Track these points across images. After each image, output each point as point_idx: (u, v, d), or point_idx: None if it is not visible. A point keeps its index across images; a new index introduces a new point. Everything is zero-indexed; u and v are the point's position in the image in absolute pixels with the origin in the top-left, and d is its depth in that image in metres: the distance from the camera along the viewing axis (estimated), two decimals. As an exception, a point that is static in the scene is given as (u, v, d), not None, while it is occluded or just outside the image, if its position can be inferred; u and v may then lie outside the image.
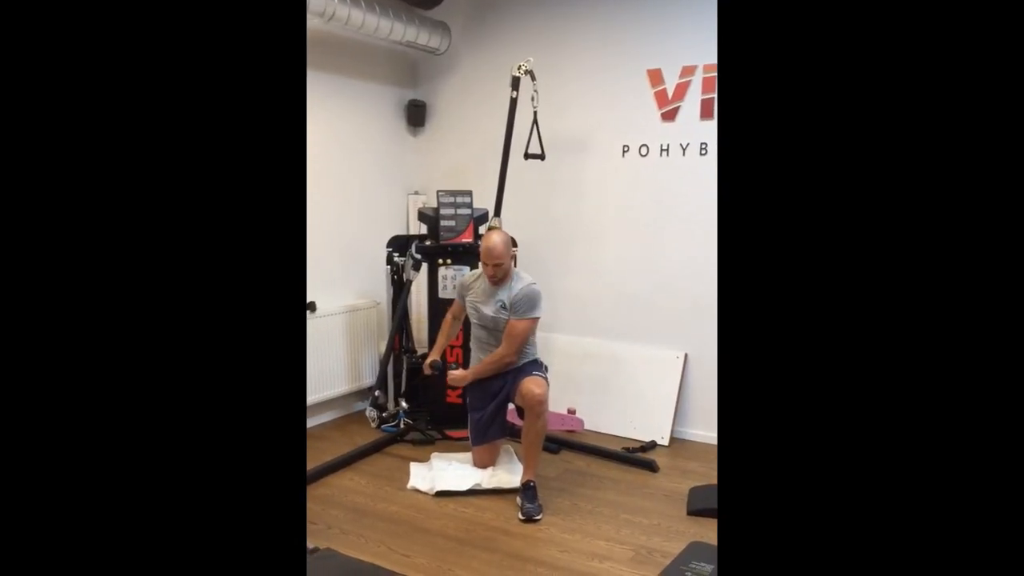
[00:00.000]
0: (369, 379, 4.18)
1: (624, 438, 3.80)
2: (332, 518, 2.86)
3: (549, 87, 3.80)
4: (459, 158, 4.48)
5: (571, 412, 3.99)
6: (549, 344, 4.12)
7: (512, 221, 3.88)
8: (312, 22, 3.46)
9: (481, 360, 3.18)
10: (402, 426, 3.81)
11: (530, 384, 2.97)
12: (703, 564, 2.45)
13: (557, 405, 3.97)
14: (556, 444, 3.64)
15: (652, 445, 3.71)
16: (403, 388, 3.93)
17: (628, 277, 3.97)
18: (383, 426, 3.83)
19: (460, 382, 3.20)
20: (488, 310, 3.11)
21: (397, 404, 3.90)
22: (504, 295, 3.07)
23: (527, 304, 3.05)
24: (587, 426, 3.95)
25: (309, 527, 2.78)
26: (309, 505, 2.96)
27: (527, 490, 2.92)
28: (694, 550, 2.56)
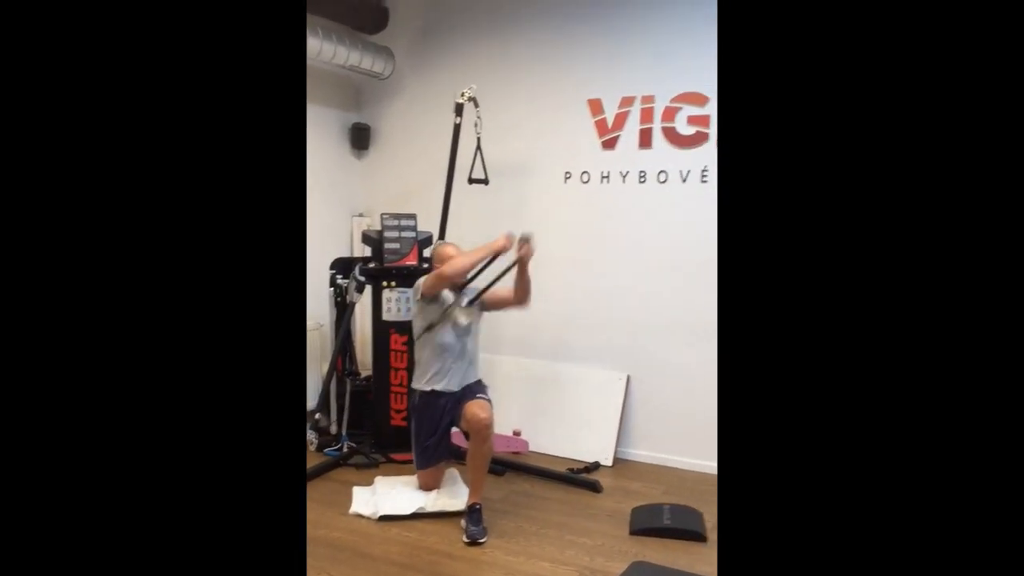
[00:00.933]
0: (313, 402, 4.12)
1: (568, 459, 3.84)
2: (273, 546, 2.81)
3: (493, 113, 3.87)
4: (404, 181, 4.50)
5: (516, 434, 4.01)
6: (494, 366, 4.15)
7: (457, 244, 3.90)
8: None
9: (449, 371, 3.17)
10: (345, 449, 3.77)
11: (475, 408, 2.99)
12: (645, 583, 2.50)
13: (502, 427, 3.99)
14: (501, 466, 3.66)
15: (596, 466, 3.76)
16: (346, 411, 3.89)
17: (572, 300, 4.04)
18: (325, 450, 3.79)
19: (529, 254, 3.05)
20: (463, 319, 3.11)
21: (340, 427, 3.86)
22: (466, 294, 3.14)
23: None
24: (532, 447, 3.98)
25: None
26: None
27: (472, 513, 2.92)
28: (636, 570, 2.60)
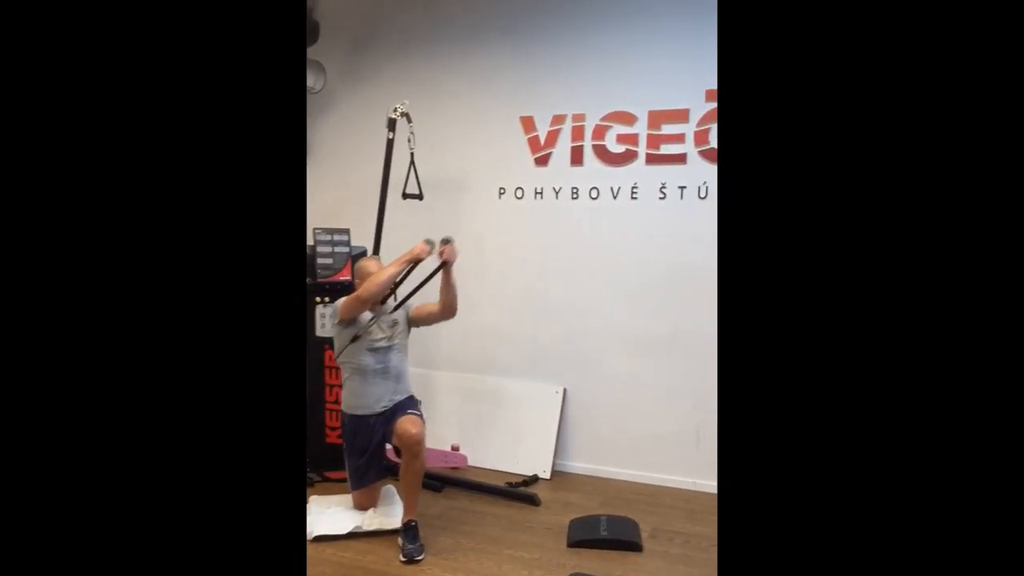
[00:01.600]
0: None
1: (507, 473, 3.84)
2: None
3: (427, 128, 3.88)
4: (340, 196, 4.45)
5: (454, 449, 4.00)
6: (432, 380, 4.13)
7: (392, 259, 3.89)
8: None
9: (371, 394, 3.13)
10: (279, 472, 3.68)
11: (406, 424, 2.97)
12: (582, 594, 2.52)
13: (440, 442, 3.98)
14: (439, 482, 3.64)
15: (534, 479, 3.78)
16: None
17: (508, 314, 4.06)
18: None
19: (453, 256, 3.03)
20: (382, 332, 3.09)
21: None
22: (388, 311, 3.12)
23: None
24: (470, 462, 3.96)
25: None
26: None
27: (408, 530, 2.89)
28: (573, 580, 2.62)
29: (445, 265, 3.01)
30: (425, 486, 3.57)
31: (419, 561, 2.81)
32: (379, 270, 3.07)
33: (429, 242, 2.99)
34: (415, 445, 2.92)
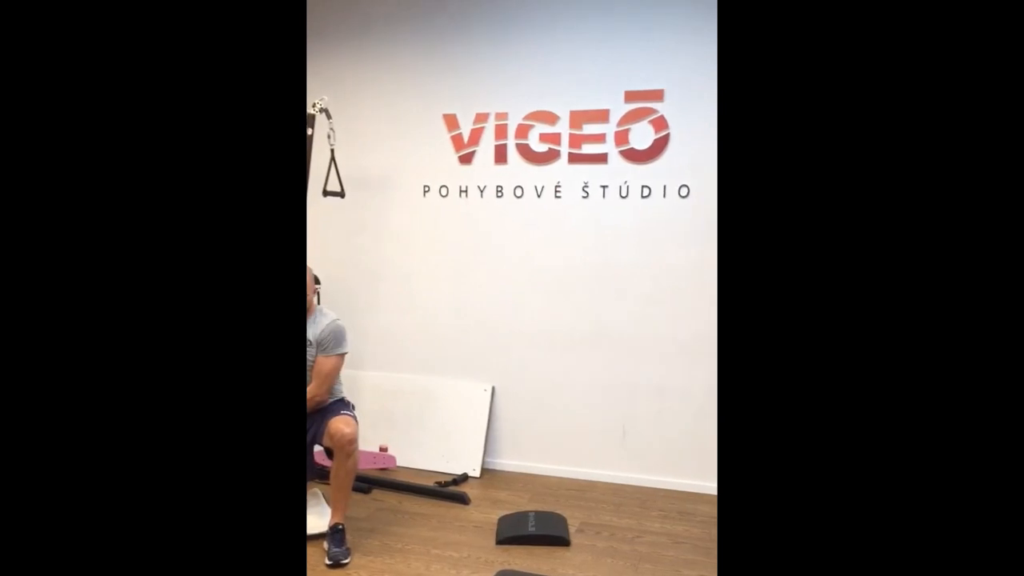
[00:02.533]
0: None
1: (437, 472, 3.83)
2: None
3: (350, 126, 3.84)
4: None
5: (383, 450, 3.96)
6: (359, 381, 4.08)
7: (317, 258, 3.83)
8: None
9: None
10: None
11: (339, 423, 2.93)
12: (510, 590, 2.53)
13: (369, 443, 3.93)
14: (367, 483, 3.60)
15: (464, 477, 3.78)
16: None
17: (436, 313, 4.05)
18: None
19: None
20: (308, 336, 3.03)
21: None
22: (309, 332, 3.02)
23: (334, 340, 3.02)
24: (400, 462, 3.94)
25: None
26: None
27: (335, 534, 2.85)
28: (501, 577, 2.64)
29: None
30: (353, 488, 3.53)
31: (345, 564, 2.77)
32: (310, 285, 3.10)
33: None
34: (348, 444, 2.88)
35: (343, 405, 3.11)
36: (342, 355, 3.05)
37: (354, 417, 3.04)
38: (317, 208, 3.76)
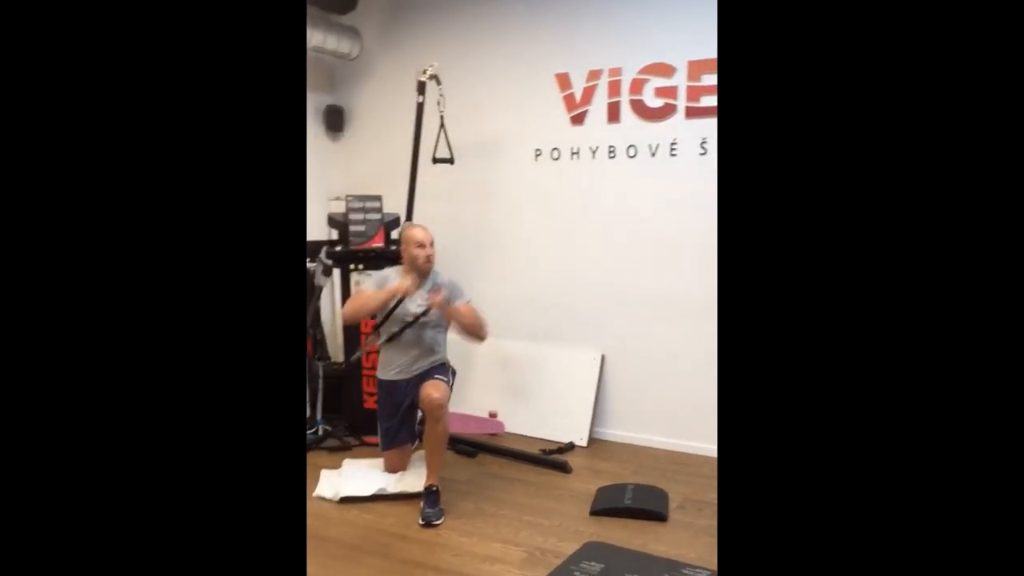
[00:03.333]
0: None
1: (544, 440, 3.80)
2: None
3: (460, 91, 3.81)
4: (378, 162, 4.46)
5: (492, 415, 3.99)
6: (471, 348, 4.11)
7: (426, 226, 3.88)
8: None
9: (400, 364, 3.15)
10: (320, 433, 3.78)
11: (429, 388, 2.96)
12: (594, 564, 2.46)
13: (478, 408, 3.98)
14: (474, 447, 3.64)
15: (570, 446, 3.72)
16: (320, 395, 3.88)
17: (546, 280, 3.98)
18: (300, 435, 3.81)
19: (445, 306, 3.03)
20: (412, 307, 3.08)
21: (314, 410, 3.87)
22: (428, 285, 3.09)
23: (459, 289, 3.17)
24: (508, 429, 3.95)
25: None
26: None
27: (429, 495, 2.90)
28: (588, 550, 2.56)
29: (441, 308, 3.01)
30: (459, 452, 3.60)
31: (437, 525, 2.81)
32: (369, 295, 3.10)
33: (414, 280, 3.05)
34: (436, 409, 2.92)
35: (440, 370, 3.14)
36: (468, 302, 3.15)
37: (447, 382, 3.06)
38: (430, 175, 3.79)
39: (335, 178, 4.59)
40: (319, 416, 3.85)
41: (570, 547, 2.61)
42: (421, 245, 3.08)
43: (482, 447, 3.68)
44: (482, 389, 4.05)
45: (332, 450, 3.67)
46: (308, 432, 3.81)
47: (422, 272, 3.11)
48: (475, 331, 3.15)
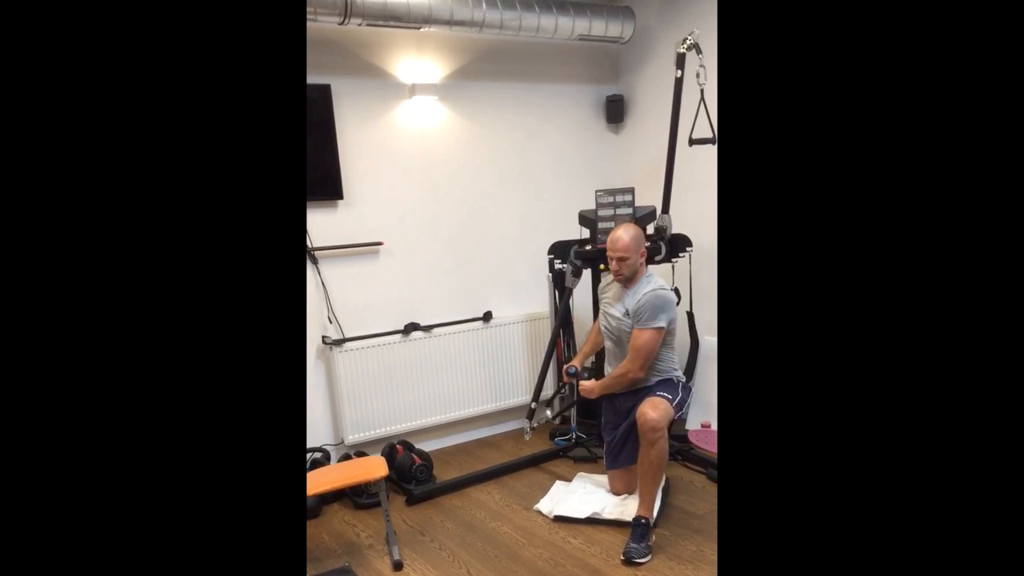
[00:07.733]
0: (553, 390, 4.03)
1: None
2: (442, 531, 2.80)
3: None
4: (657, 152, 4.09)
5: (705, 426, 3.38)
6: (706, 349, 3.59)
7: (685, 217, 3.44)
8: (483, 34, 3.50)
9: (609, 373, 2.85)
10: (573, 439, 3.60)
11: (645, 407, 2.57)
12: None
13: (690, 421, 3.47)
14: (704, 465, 3.17)
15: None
16: (567, 398, 3.69)
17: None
18: (555, 438, 3.68)
19: (589, 394, 2.87)
20: (615, 313, 2.77)
21: (554, 414, 3.71)
22: (629, 299, 2.71)
23: (649, 311, 2.64)
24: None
25: (411, 538, 2.76)
26: (431, 515, 2.95)
27: (636, 527, 2.52)
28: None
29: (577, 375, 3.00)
30: (694, 470, 3.12)
31: (639, 564, 2.42)
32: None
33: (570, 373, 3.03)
34: (650, 432, 2.52)
35: (665, 385, 2.71)
36: (658, 329, 2.64)
37: (669, 400, 2.62)
38: (685, 157, 3.34)
39: (615, 172, 4.36)
40: (573, 423, 3.67)
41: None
42: (609, 255, 2.71)
43: (713, 463, 3.12)
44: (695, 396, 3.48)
45: (578, 460, 3.47)
46: (562, 438, 3.66)
47: (617, 281, 2.75)
48: (623, 389, 2.78)
